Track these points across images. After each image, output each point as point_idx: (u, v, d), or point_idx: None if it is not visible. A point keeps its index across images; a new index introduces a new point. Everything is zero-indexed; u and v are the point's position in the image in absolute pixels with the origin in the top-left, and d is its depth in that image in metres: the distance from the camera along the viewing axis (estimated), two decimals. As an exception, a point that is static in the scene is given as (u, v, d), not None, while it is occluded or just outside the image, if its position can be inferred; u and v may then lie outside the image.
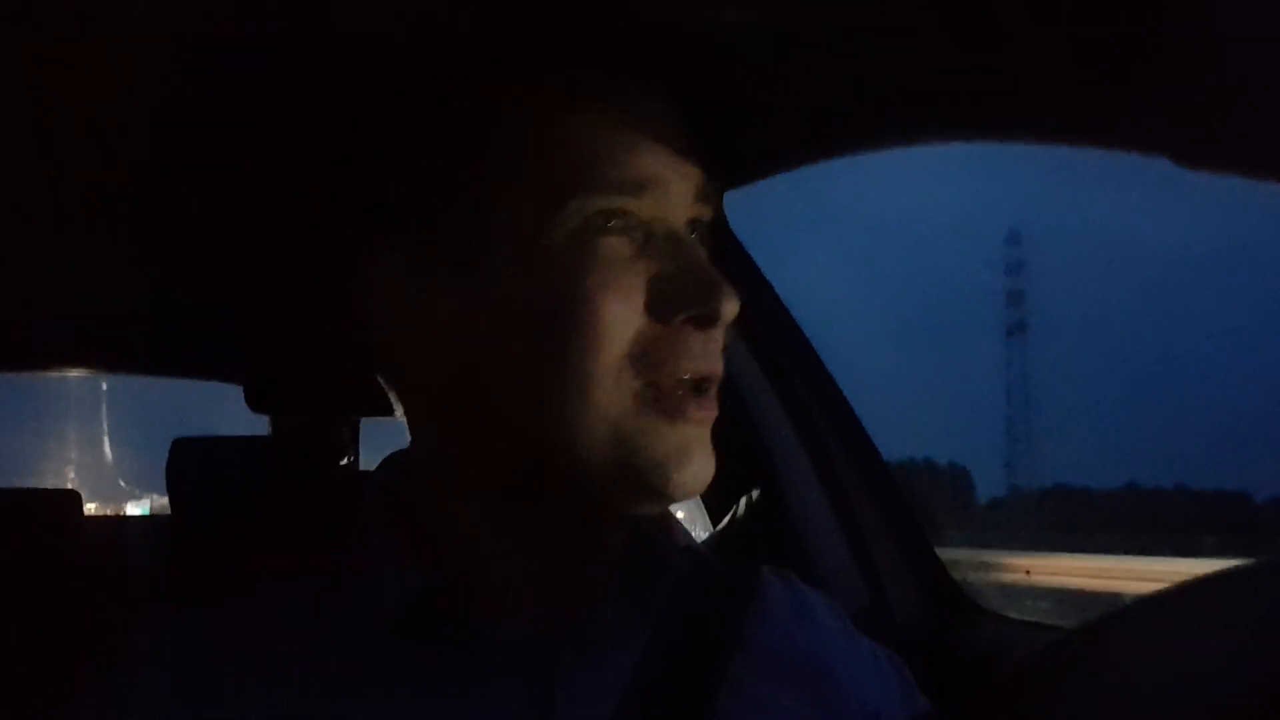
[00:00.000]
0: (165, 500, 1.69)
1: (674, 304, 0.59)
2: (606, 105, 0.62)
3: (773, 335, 1.41)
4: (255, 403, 1.68)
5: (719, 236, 1.33)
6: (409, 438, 0.70)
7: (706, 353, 0.60)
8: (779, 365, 1.41)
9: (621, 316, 0.59)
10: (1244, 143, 0.66)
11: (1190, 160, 0.67)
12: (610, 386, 0.59)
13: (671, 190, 0.61)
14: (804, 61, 0.72)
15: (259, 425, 1.73)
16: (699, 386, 0.60)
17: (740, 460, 1.40)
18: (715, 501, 1.49)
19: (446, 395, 0.64)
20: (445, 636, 0.62)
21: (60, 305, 1.50)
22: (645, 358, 0.59)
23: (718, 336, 0.60)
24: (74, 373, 2.09)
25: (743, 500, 1.43)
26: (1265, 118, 0.63)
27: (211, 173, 1.02)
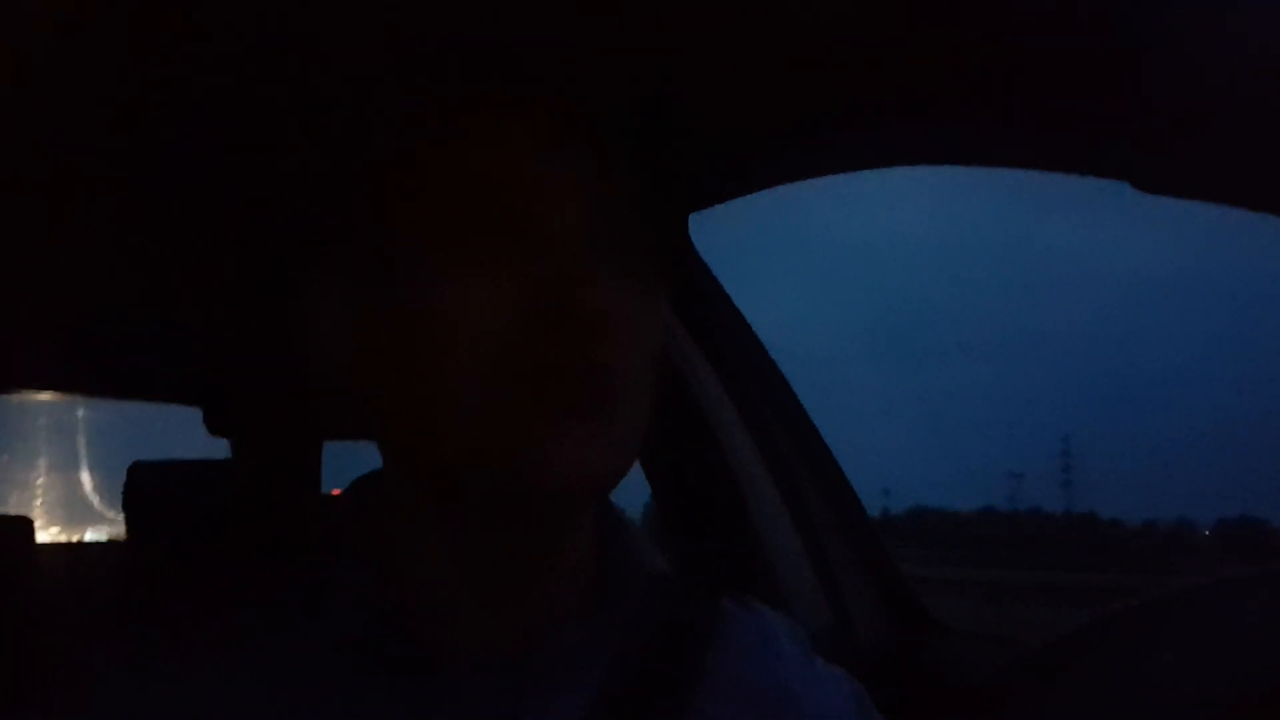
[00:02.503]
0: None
1: (531, 299, 0.58)
2: (487, 108, 0.62)
3: (738, 356, 1.42)
4: (215, 426, 1.66)
5: (681, 257, 1.34)
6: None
7: (571, 343, 0.58)
8: (744, 387, 1.41)
9: (476, 317, 0.58)
10: (1203, 168, 0.67)
11: (1149, 185, 0.69)
12: (474, 387, 0.58)
13: (547, 189, 0.61)
14: (772, 86, 0.73)
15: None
16: (571, 378, 0.59)
17: (705, 482, 1.40)
18: (680, 523, 1.49)
19: (381, 414, 0.65)
20: (408, 662, 0.61)
21: (14, 328, 1.48)
22: (510, 357, 0.58)
23: (586, 327, 0.58)
24: (42, 396, 2.06)
25: (708, 522, 1.43)
26: (1223, 144, 0.65)
27: (176, 191, 1.01)
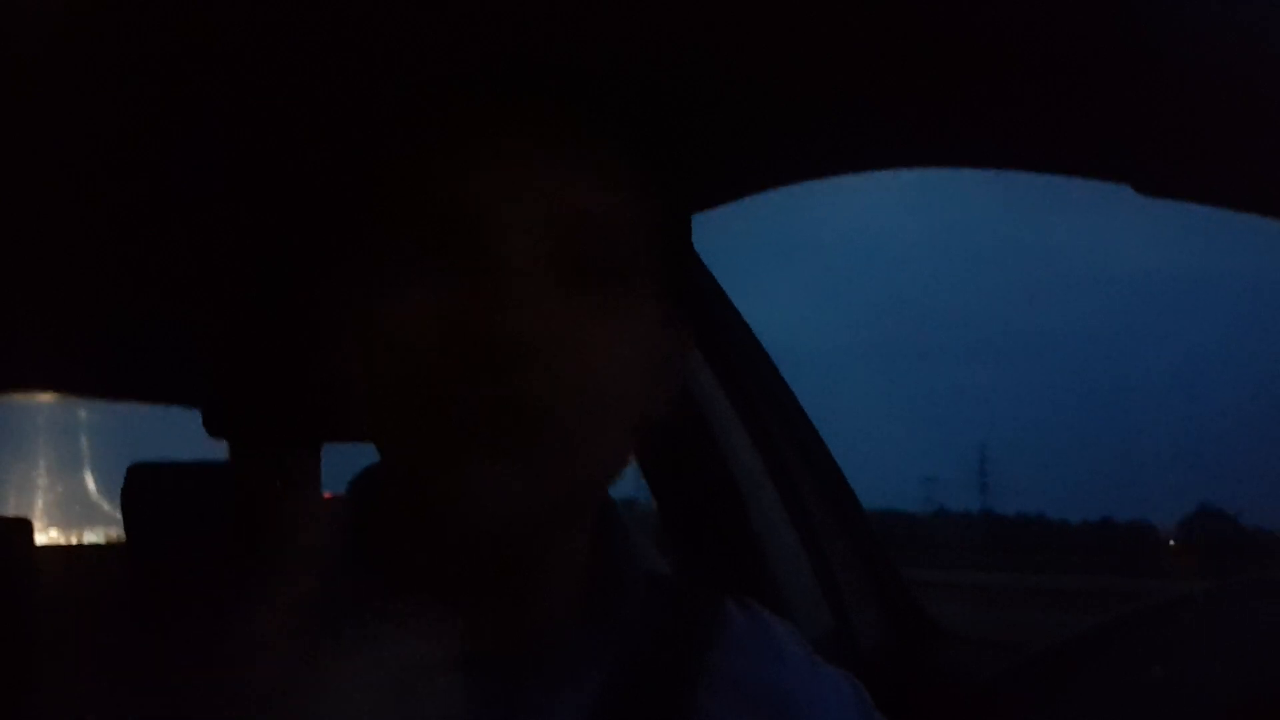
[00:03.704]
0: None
1: (456, 325, 0.57)
2: (456, 121, 0.62)
3: (738, 361, 1.41)
4: (213, 427, 1.66)
5: (681, 262, 1.34)
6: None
7: (483, 375, 0.56)
8: (745, 392, 1.41)
9: (411, 338, 0.58)
10: (1205, 171, 0.67)
11: (1151, 188, 0.69)
12: (403, 412, 0.58)
13: (499, 211, 0.59)
14: (768, 89, 0.73)
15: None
16: (480, 411, 0.57)
17: (705, 485, 1.40)
18: (680, 526, 1.49)
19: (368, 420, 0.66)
20: (407, 659, 0.61)
21: (14, 329, 1.48)
22: (430, 384, 0.57)
23: (502, 358, 0.56)
24: (42, 397, 2.06)
25: (708, 525, 1.43)
26: (1227, 147, 0.65)
27: (175, 193, 1.01)
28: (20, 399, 2.12)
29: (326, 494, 1.77)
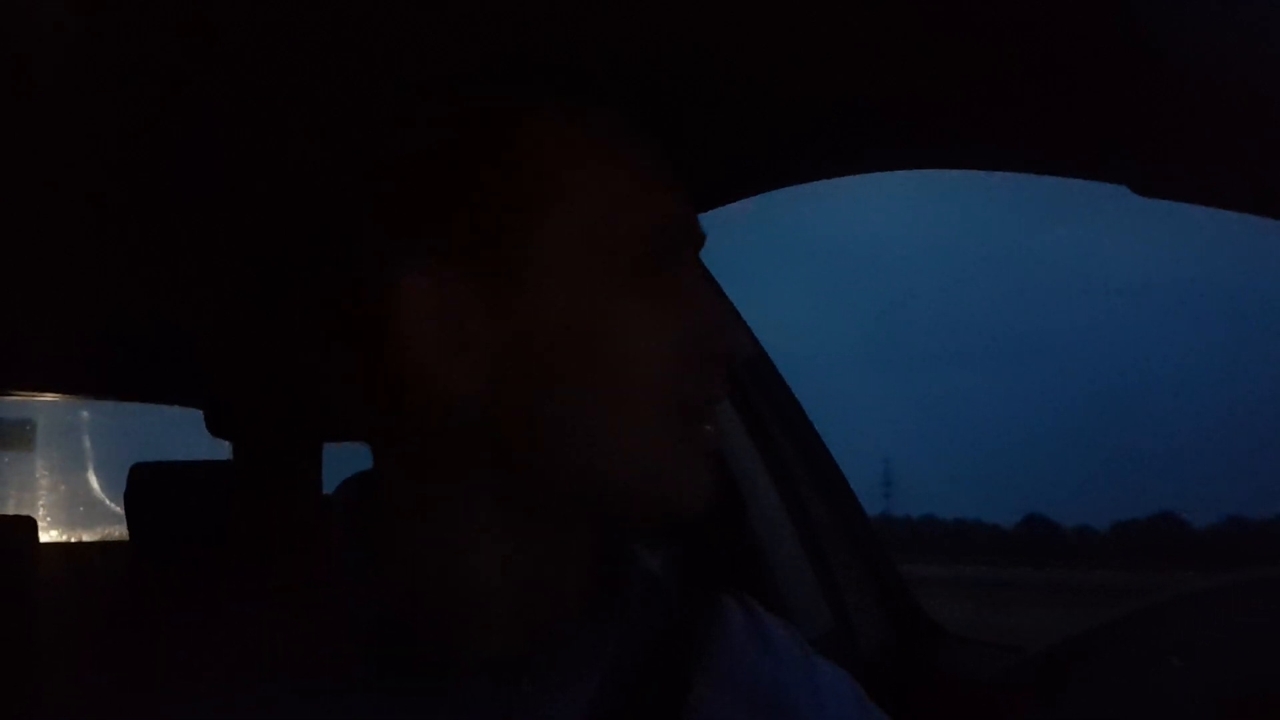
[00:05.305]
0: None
1: (703, 338, 0.63)
2: (641, 142, 0.65)
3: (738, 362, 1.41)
4: (216, 428, 1.66)
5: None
6: (372, 459, 0.69)
7: (714, 383, 0.64)
8: (745, 390, 1.41)
9: (660, 350, 0.62)
10: (1204, 171, 0.67)
11: (1149, 188, 0.69)
12: (647, 416, 0.62)
13: (692, 224, 0.66)
14: (768, 89, 0.73)
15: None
16: (708, 414, 0.64)
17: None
18: (682, 527, 1.48)
19: (475, 416, 0.62)
20: (410, 661, 0.61)
21: (16, 330, 1.48)
22: (675, 388, 0.62)
23: (725, 367, 0.64)
24: (46, 398, 2.06)
25: (708, 525, 1.43)
26: (1223, 147, 0.65)
27: (175, 193, 1.01)
28: (24, 400, 2.12)
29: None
